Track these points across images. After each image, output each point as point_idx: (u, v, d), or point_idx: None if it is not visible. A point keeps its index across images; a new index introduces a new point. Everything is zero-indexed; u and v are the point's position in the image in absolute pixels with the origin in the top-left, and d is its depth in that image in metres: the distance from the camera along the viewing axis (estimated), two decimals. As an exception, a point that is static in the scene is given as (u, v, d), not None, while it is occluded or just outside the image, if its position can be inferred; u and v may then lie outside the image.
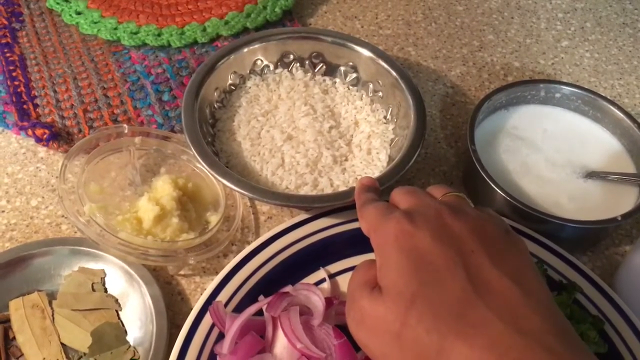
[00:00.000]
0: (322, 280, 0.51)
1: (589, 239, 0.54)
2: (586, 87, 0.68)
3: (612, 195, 0.55)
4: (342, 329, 0.47)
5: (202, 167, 0.53)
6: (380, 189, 0.46)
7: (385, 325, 0.32)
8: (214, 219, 0.54)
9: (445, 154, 0.62)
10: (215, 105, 0.60)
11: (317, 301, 0.47)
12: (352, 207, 0.53)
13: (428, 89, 0.68)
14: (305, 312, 0.48)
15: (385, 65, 0.59)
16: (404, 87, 0.58)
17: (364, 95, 0.62)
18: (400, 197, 0.39)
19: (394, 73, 0.59)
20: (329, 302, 0.48)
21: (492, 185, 0.52)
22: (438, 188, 0.40)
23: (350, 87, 0.63)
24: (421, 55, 0.71)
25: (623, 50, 0.73)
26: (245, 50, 0.60)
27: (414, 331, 0.31)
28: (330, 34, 0.62)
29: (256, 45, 0.61)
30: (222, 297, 0.48)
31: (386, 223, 0.35)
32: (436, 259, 0.32)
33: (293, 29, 0.66)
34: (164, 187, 0.54)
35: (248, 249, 0.50)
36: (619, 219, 0.50)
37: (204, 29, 0.68)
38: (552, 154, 0.58)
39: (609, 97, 0.67)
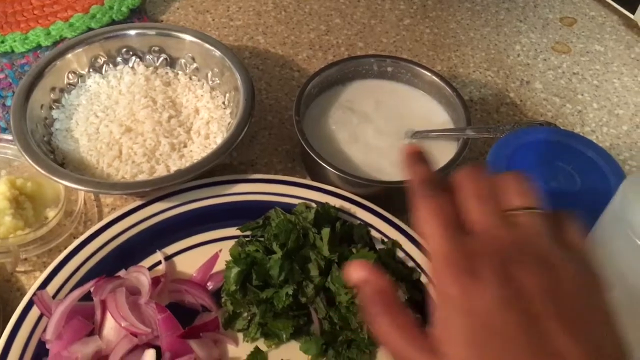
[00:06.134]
0: (159, 263, 0.53)
1: (410, 198, 0.58)
2: (424, 60, 0.73)
3: (435, 153, 0.58)
4: (176, 306, 0.50)
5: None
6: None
7: None
8: (52, 214, 0.55)
9: (289, 133, 0.65)
10: (54, 106, 0.61)
11: (144, 280, 0.49)
12: (187, 189, 0.56)
13: (275, 74, 0.71)
14: (136, 292, 0.50)
15: (211, 47, 0.62)
16: (232, 66, 0.60)
17: (204, 84, 0.64)
18: (468, 194, 0.34)
19: (218, 53, 0.61)
20: (156, 280, 0.50)
21: (311, 154, 0.55)
22: (515, 188, 0.33)
23: (192, 77, 0.65)
24: (270, 43, 0.74)
25: (461, 24, 0.78)
26: (76, 51, 0.62)
27: None
28: (155, 26, 0.65)
29: (80, 49, 0.62)
30: (53, 286, 0.49)
31: (447, 271, 0.31)
32: (500, 328, 0.29)
33: (115, 27, 0.66)
34: (-1, 189, 0.54)
35: (79, 240, 0.52)
36: (425, 176, 0.53)
37: (48, 33, 0.69)
38: (381, 124, 0.61)
39: (444, 69, 0.72)
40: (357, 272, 0.35)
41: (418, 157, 0.37)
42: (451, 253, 0.32)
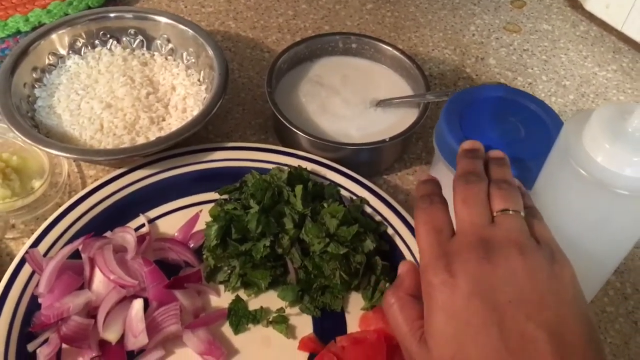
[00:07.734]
0: (143, 225, 0.56)
1: (375, 160, 0.62)
2: (387, 40, 0.77)
3: (397, 119, 0.63)
4: (160, 264, 0.53)
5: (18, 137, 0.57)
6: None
7: None
8: (38, 184, 0.58)
9: (262, 109, 0.69)
10: (36, 85, 0.63)
11: (130, 238, 0.53)
12: (166, 157, 0.59)
13: (246, 56, 0.75)
14: (123, 251, 0.53)
15: (185, 28, 0.66)
16: (206, 44, 0.64)
17: (180, 63, 0.68)
18: (457, 199, 0.39)
19: (192, 33, 0.65)
20: (141, 238, 0.53)
21: (283, 121, 0.59)
22: (499, 193, 0.38)
23: (168, 58, 0.68)
24: (240, 27, 0.78)
25: (420, 8, 0.83)
26: (59, 32, 0.65)
27: None
28: (131, 10, 0.68)
29: (63, 30, 0.65)
30: (42, 248, 0.52)
31: (432, 272, 0.36)
32: (472, 318, 0.33)
33: (98, 9, 0.69)
34: (-14, 162, 0.57)
35: (67, 204, 0.55)
36: (387, 140, 0.58)
37: (27, 19, 0.71)
38: (348, 95, 0.65)
39: (405, 48, 0.77)
40: (400, 267, 0.42)
41: (424, 180, 0.43)
42: (433, 254, 0.36)
